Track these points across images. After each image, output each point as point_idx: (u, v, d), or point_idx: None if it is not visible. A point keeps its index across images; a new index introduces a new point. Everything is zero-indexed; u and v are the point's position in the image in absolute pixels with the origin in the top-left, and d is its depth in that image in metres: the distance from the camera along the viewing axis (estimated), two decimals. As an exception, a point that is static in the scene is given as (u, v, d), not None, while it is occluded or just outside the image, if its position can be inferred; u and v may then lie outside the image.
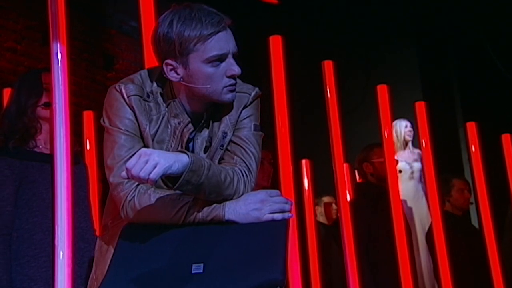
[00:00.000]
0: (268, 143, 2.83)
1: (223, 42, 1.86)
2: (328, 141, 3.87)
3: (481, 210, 4.57)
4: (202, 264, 1.76)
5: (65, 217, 2.41)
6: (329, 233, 5.41)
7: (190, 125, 1.95)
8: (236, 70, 1.90)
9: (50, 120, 2.58)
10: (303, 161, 4.82)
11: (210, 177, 1.80)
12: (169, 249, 1.82)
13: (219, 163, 1.97)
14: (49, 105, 2.63)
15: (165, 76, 1.92)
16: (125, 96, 1.91)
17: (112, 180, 1.90)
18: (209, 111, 1.98)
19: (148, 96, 1.94)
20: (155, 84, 1.96)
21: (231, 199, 1.87)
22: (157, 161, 1.70)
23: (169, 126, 1.94)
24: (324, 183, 5.11)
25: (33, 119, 2.67)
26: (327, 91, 3.85)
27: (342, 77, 4.06)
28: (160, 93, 1.96)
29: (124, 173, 1.74)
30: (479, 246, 4.52)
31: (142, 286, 1.77)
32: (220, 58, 1.87)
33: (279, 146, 3.42)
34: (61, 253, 2.38)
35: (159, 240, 1.85)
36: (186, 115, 1.95)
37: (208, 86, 1.89)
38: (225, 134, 1.98)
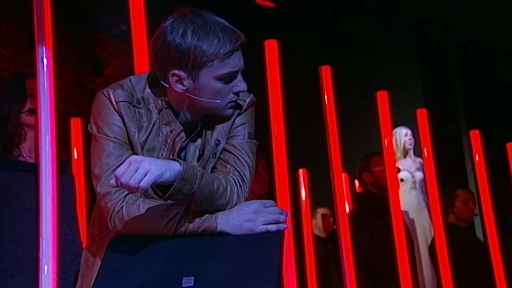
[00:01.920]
0: (262, 151, 2.77)
1: (236, 60, 1.85)
2: (326, 150, 3.85)
3: (486, 222, 4.56)
4: (193, 278, 1.72)
5: (50, 229, 2.39)
6: (326, 246, 5.36)
7: (182, 133, 1.91)
8: (243, 87, 1.89)
9: (35, 128, 2.56)
10: (300, 171, 4.81)
11: (203, 186, 1.76)
12: (158, 261, 1.78)
13: (212, 172, 1.92)
14: (33, 112, 2.60)
15: (167, 85, 1.87)
16: (114, 102, 1.87)
17: (100, 189, 1.86)
18: (203, 120, 1.94)
19: (139, 103, 1.90)
20: (147, 90, 1.92)
21: (224, 209, 1.84)
22: (147, 168, 1.66)
23: (161, 134, 1.90)
24: (322, 194, 5.06)
25: (17, 126, 2.63)
26: (325, 98, 3.84)
27: (341, 83, 4.05)
28: (152, 100, 1.91)
29: (113, 182, 1.71)
30: (484, 259, 4.50)
31: (129, 301, 1.73)
32: (231, 76, 1.85)
33: (275, 155, 3.42)
34: (46, 267, 2.36)
35: (148, 252, 1.81)
36: (178, 123, 1.91)
37: (217, 101, 1.86)
38: (218, 142, 1.94)
